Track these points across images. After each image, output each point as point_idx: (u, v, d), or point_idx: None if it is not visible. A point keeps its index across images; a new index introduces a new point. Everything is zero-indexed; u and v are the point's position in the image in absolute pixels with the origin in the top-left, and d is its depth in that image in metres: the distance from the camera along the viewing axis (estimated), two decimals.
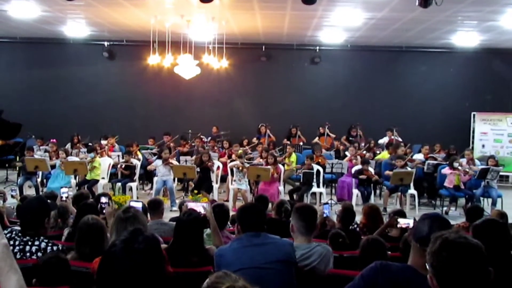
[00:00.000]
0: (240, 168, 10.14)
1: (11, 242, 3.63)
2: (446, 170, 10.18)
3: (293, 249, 3.51)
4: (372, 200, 10.35)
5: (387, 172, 10.33)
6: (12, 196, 8.27)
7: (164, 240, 4.40)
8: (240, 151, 11.42)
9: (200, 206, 5.02)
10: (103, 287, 1.76)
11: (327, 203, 6.68)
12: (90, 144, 11.83)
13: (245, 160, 10.62)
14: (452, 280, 1.81)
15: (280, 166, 10.51)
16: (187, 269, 3.56)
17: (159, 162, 10.48)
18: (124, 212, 3.85)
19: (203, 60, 12.14)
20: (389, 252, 4.02)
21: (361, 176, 10.35)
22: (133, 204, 5.31)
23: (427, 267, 1.92)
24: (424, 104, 14.60)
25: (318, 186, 10.72)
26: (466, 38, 12.58)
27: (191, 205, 5.23)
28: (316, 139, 13.59)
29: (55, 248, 3.68)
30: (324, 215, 5.65)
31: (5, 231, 3.74)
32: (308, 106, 14.74)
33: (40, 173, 10.66)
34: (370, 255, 3.58)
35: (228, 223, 6.00)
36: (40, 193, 9.77)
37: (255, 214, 3.65)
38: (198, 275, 3.42)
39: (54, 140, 12.27)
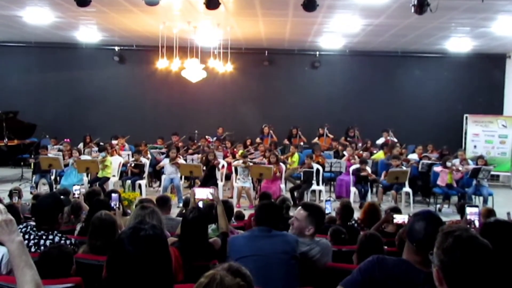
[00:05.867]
0: (245, 165, 10.18)
1: (26, 236, 3.64)
2: (438, 168, 10.19)
3: (297, 244, 3.55)
4: (369, 197, 10.34)
5: (384, 173, 10.30)
6: (31, 193, 8.34)
7: (172, 235, 4.41)
8: (241, 151, 11.45)
9: (207, 192, 5.03)
10: (112, 272, 1.78)
11: (329, 200, 6.69)
12: (101, 143, 11.85)
13: (249, 159, 10.66)
14: (463, 277, 1.74)
15: (282, 165, 10.52)
16: (193, 263, 3.56)
17: (167, 160, 10.52)
18: (142, 208, 3.86)
19: (209, 64, 12.16)
20: (386, 247, 4.01)
21: (362, 173, 10.33)
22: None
23: (433, 260, 1.86)
24: (419, 107, 14.57)
25: (318, 184, 10.71)
26: (459, 43, 12.55)
27: (198, 191, 5.23)
28: (316, 140, 13.58)
29: (68, 242, 3.68)
30: (326, 211, 5.64)
31: (21, 226, 3.75)
32: (308, 108, 14.73)
33: (54, 171, 10.68)
34: (368, 249, 3.57)
35: (233, 218, 6.02)
36: (54, 190, 9.80)
37: (272, 212, 3.70)
38: (204, 269, 3.41)
39: (68, 140, 12.30)
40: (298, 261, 3.48)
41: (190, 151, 12.39)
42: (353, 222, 5.73)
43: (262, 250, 3.38)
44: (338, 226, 4.91)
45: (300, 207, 3.88)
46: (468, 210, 4.43)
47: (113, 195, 5.34)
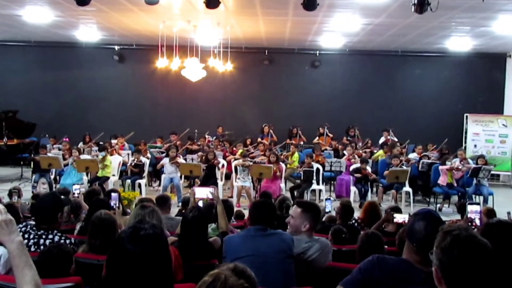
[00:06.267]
0: (246, 165, 10.18)
1: (26, 236, 3.64)
2: (445, 167, 10.18)
3: (293, 243, 3.55)
4: (369, 197, 10.34)
5: (385, 172, 10.29)
6: (33, 192, 8.36)
7: (171, 234, 4.41)
8: (241, 151, 11.45)
9: (207, 191, 5.03)
10: (112, 271, 1.78)
11: (329, 199, 6.69)
12: (101, 143, 11.85)
13: (249, 159, 10.66)
14: (461, 277, 1.75)
15: (282, 164, 10.52)
16: (193, 262, 3.56)
17: (167, 160, 10.53)
18: (142, 207, 3.86)
19: (209, 63, 12.16)
20: (386, 246, 4.01)
21: (356, 174, 10.37)
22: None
23: (433, 259, 1.87)
24: (419, 106, 14.57)
25: (318, 183, 10.71)
26: (459, 43, 12.54)
27: (198, 190, 5.22)
28: (316, 139, 13.59)
29: (67, 241, 3.68)
30: (326, 209, 5.64)
31: (20, 225, 3.75)
32: (308, 107, 14.73)
33: (53, 170, 10.68)
34: (368, 249, 3.57)
35: (233, 218, 6.02)
36: (54, 189, 9.79)
37: (267, 210, 3.69)
38: (203, 268, 3.42)
39: (67, 139, 12.29)
40: (294, 260, 3.48)
41: (195, 146, 12.44)
42: (353, 221, 5.73)
43: (258, 250, 3.37)
44: (339, 226, 4.91)
45: (295, 205, 3.91)
46: (469, 208, 4.43)
47: (113, 194, 5.35)
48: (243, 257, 3.25)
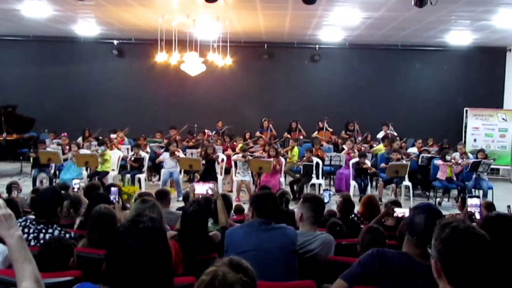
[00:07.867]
0: (245, 159, 10.19)
1: (26, 230, 3.64)
2: (438, 162, 10.21)
3: (296, 237, 3.53)
4: (369, 191, 10.35)
5: (382, 165, 10.34)
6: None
7: (171, 228, 4.41)
8: (241, 145, 11.45)
9: (206, 187, 5.03)
10: (112, 265, 1.78)
11: (327, 189, 6.70)
12: (100, 137, 11.84)
13: (248, 153, 10.66)
14: (460, 267, 1.77)
15: (281, 158, 10.52)
16: (193, 256, 3.56)
17: (167, 154, 10.52)
18: (142, 202, 3.86)
19: (208, 57, 12.12)
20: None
21: (359, 167, 10.36)
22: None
23: (432, 252, 1.88)
24: (419, 100, 14.55)
25: (318, 177, 10.72)
26: (459, 36, 12.52)
27: (198, 187, 5.22)
28: (315, 133, 13.58)
29: (67, 235, 3.68)
30: (325, 200, 5.63)
31: (20, 220, 3.75)
32: (308, 102, 14.71)
33: (53, 165, 10.67)
34: (370, 243, 3.57)
35: (232, 212, 6.02)
36: (53, 184, 9.79)
37: (271, 202, 3.66)
38: (203, 262, 3.43)
39: (66, 134, 12.29)
40: (298, 254, 3.47)
41: (191, 143, 12.44)
42: (353, 215, 5.73)
43: (260, 244, 3.33)
44: (335, 219, 4.91)
45: None
46: (469, 201, 4.42)
47: (113, 189, 5.35)
48: (245, 251, 3.22)
